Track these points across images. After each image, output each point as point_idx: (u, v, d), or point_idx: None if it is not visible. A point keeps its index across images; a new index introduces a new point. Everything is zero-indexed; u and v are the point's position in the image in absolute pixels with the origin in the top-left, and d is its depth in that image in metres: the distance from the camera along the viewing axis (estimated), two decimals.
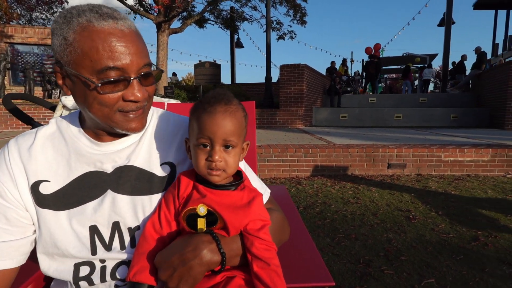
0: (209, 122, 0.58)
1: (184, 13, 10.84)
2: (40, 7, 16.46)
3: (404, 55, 16.86)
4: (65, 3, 15.80)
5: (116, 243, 0.62)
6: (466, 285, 1.55)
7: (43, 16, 16.63)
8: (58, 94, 8.98)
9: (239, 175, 0.65)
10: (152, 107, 0.71)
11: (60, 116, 1.38)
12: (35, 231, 0.63)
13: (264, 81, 8.96)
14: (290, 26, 16.18)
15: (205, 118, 0.59)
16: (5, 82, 8.90)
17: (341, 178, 3.68)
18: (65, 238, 0.60)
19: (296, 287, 0.67)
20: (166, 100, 1.52)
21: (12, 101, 1.34)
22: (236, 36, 14.10)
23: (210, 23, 12.80)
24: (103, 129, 0.63)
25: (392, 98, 10.25)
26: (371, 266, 1.73)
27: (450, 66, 11.95)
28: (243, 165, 0.73)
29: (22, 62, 10.26)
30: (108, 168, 0.64)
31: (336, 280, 1.60)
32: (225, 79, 35.67)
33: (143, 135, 0.68)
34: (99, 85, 0.54)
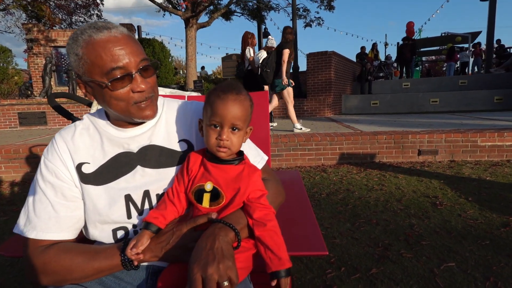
0: (221, 107, 0.70)
1: (211, 7, 10.99)
2: (79, 11, 17.51)
3: (443, 34, 15.77)
4: (100, 5, 16.69)
5: (146, 207, 0.76)
6: (489, 269, 1.53)
7: (81, 19, 17.69)
8: None
9: (240, 154, 0.76)
10: (162, 98, 0.84)
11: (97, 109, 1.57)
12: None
13: (291, 70, 8.90)
14: (317, 13, 15.76)
15: (218, 104, 0.70)
16: (52, 83, 9.68)
17: (368, 165, 3.64)
18: (105, 206, 0.75)
19: (294, 255, 0.75)
20: (187, 93, 1.64)
21: (56, 99, 1.53)
22: (263, 26, 14.04)
23: (237, 15, 12.85)
24: (124, 120, 0.77)
25: (428, 82, 9.71)
26: (389, 249, 1.75)
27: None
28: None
29: (65, 64, 11.08)
30: (134, 148, 0.78)
31: (353, 263, 1.65)
32: None
33: (159, 120, 0.82)
34: (109, 83, 0.67)
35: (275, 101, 5.02)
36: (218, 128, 0.71)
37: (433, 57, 23.56)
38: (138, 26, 12.10)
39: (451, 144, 3.75)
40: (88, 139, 0.79)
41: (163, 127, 0.82)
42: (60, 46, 11.13)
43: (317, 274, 1.57)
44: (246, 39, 5.32)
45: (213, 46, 23.38)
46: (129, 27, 11.69)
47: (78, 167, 0.76)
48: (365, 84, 9.50)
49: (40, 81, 10.13)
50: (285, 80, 4.75)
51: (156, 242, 0.71)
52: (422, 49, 16.43)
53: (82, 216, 0.78)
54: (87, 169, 0.77)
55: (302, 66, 12.16)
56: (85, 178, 0.76)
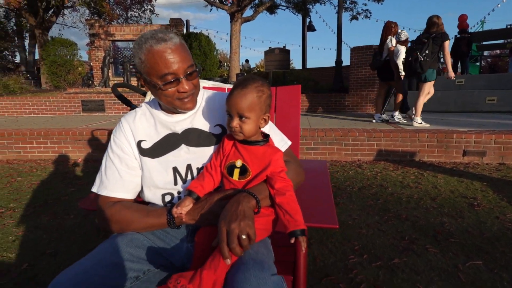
0: (229, 100, 0.86)
1: (256, 1, 11.13)
2: (134, 7, 18.71)
3: (509, 26, 14.24)
4: (153, 1, 17.68)
5: (189, 178, 0.95)
6: None
7: (136, 14, 18.90)
8: None
9: (266, 137, 0.91)
10: (203, 89, 1.03)
11: (150, 99, 1.82)
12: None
13: (334, 64, 8.76)
14: (365, 5, 15.09)
15: (228, 96, 0.87)
16: (109, 74, 10.59)
17: (406, 163, 3.57)
18: (157, 175, 0.94)
19: (309, 225, 0.88)
20: (227, 86, 1.81)
21: (118, 89, 1.80)
22: (308, 20, 13.87)
23: (281, 8, 12.86)
24: (170, 110, 0.96)
25: (485, 78, 8.93)
26: (415, 243, 1.79)
27: None
28: (269, 126, 1.00)
29: (121, 57, 12.02)
30: (179, 130, 0.97)
31: (376, 252, 1.72)
32: (297, 63, 35.22)
33: (199, 108, 1.00)
34: (162, 86, 0.86)
35: (432, 90, 4.77)
36: (230, 116, 0.86)
37: (497, 51, 21.33)
38: (186, 21, 12.67)
39: (501, 146, 3.52)
40: (145, 122, 1.00)
41: (203, 114, 1.00)
42: (117, 40, 12.09)
43: (340, 258, 1.67)
44: (389, 28, 5.05)
45: (257, 39, 23.54)
46: (178, 21, 12.29)
47: (138, 143, 0.97)
48: (412, 80, 9.01)
49: (99, 72, 11.14)
50: (451, 72, 4.57)
51: (193, 208, 0.89)
52: (484, 43, 14.98)
53: (140, 182, 0.98)
54: (145, 145, 0.97)
55: (346, 60, 11.84)
56: (143, 152, 0.96)
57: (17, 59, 26.09)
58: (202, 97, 1.03)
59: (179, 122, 0.98)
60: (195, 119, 0.99)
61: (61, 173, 3.39)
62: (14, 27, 22.13)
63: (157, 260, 0.90)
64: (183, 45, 0.89)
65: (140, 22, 17.50)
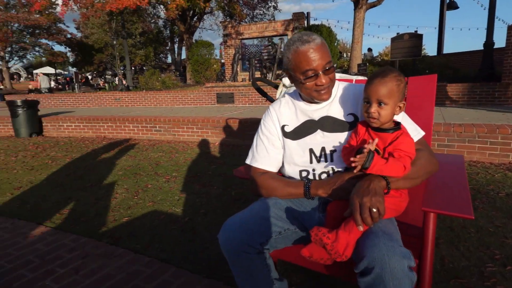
0: (369, 88, 0.96)
1: None
2: (259, 5, 20.05)
3: None
4: None
5: (322, 158, 1.11)
6: None
7: (261, 12, 20.23)
8: (270, 77, 11.05)
9: (397, 124, 0.98)
10: (338, 81, 1.16)
11: (281, 91, 2.06)
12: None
13: (482, 47, 7.31)
14: None
15: (367, 85, 0.97)
16: (238, 69, 11.86)
17: None
18: (296, 154, 1.14)
19: (440, 212, 0.91)
20: (355, 77, 1.87)
21: (257, 82, 2.13)
22: None
23: None
24: (309, 100, 1.13)
25: None
26: None
27: None
28: (401, 116, 1.06)
29: (248, 53, 13.22)
30: (316, 117, 1.14)
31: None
32: (430, 49, 30.51)
33: (334, 98, 1.14)
34: (303, 80, 1.04)
35: None
36: (368, 103, 0.95)
37: None
38: (307, 13, 12.83)
39: None
40: (288, 109, 1.20)
41: (337, 103, 1.13)
42: (245, 38, 13.33)
43: (475, 264, 1.54)
44: None
45: (382, 25, 21.56)
46: (300, 15, 12.56)
47: (282, 127, 1.18)
48: None
49: (230, 68, 12.61)
50: None
51: (327, 183, 1.05)
52: None
53: (281, 159, 1.20)
54: (287, 129, 1.18)
55: (500, 41, 9.62)
56: (286, 135, 1.17)
57: (169, 60, 32.05)
58: (337, 88, 1.16)
59: (317, 111, 1.14)
60: (331, 108, 1.13)
61: (204, 153, 4.15)
62: (168, 34, 27.16)
63: (294, 222, 1.10)
64: (323, 44, 1.04)
65: (265, 20, 18.65)
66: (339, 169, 1.09)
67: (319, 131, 1.12)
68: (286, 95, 1.27)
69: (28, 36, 24.11)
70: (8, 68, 24.82)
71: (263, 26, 13.11)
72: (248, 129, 4.59)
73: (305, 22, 12.63)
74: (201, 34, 37.79)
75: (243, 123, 4.66)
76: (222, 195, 2.59)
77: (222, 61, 15.10)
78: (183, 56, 23.99)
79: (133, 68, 20.19)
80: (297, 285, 1.46)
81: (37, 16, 21.29)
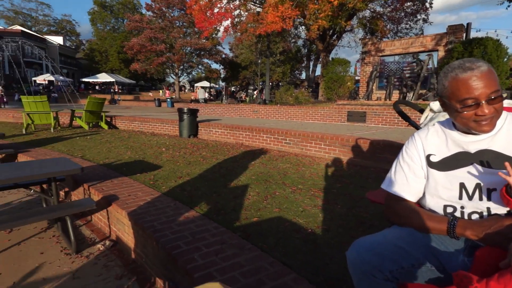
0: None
1: None
2: (406, 18, 18.44)
3: None
4: (429, 9, 16.65)
5: (476, 196, 0.99)
6: None
7: (407, 27, 18.55)
8: (411, 97, 10.01)
9: None
10: (505, 112, 1.02)
11: (426, 116, 1.90)
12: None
13: None
14: None
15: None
16: (373, 87, 11.29)
17: None
18: (442, 187, 1.06)
19: None
20: None
21: (399, 105, 2.04)
22: None
23: None
24: (464, 130, 1.03)
25: None
26: None
27: None
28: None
29: (387, 71, 12.41)
30: (471, 150, 1.03)
31: None
32: None
33: (500, 130, 1.00)
34: (460, 108, 0.96)
35: None
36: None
37: None
38: (467, 24, 10.99)
39: None
40: (437, 138, 1.12)
41: (504, 137, 0.99)
42: (386, 55, 12.58)
43: None
44: None
45: None
46: (458, 28, 10.91)
47: (427, 156, 1.12)
48: None
49: (364, 85, 12.15)
50: None
51: (479, 225, 0.93)
52: None
53: (422, 189, 1.13)
54: (433, 159, 1.10)
55: None
56: (431, 164, 1.10)
57: (303, 76, 33.53)
58: (505, 119, 1.02)
59: (474, 142, 1.02)
60: (494, 141, 1.00)
61: (330, 170, 4.17)
62: (306, 52, 28.48)
63: (431, 260, 1.02)
64: (490, 72, 0.93)
65: (410, 34, 17.08)
66: (497, 212, 0.95)
67: (475, 165, 1.01)
68: (436, 123, 1.19)
69: (195, 57, 30.28)
70: (179, 82, 31.67)
71: (408, 42, 12.07)
72: (379, 151, 4.33)
73: (464, 35, 10.88)
74: (337, 51, 37.95)
75: (374, 144, 4.43)
76: (346, 215, 2.55)
77: (357, 78, 14.70)
78: (317, 72, 24.65)
79: (270, 83, 22.14)
80: None
81: (204, 41, 26.53)
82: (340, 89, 12.08)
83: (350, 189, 3.24)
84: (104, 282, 2.21)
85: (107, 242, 2.77)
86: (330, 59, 14.75)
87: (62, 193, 3.93)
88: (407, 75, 11.16)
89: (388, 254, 0.99)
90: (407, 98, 10.55)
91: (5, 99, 16.07)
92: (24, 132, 7.79)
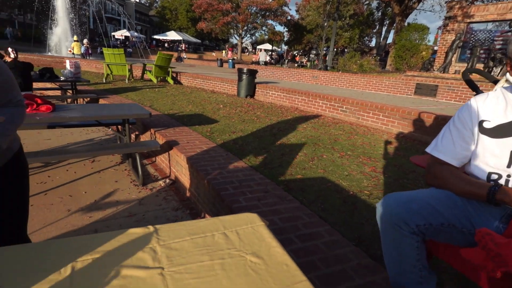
0: None
1: None
2: None
3: None
4: None
5: None
6: None
7: None
8: (498, 72, 8.70)
9: None
10: None
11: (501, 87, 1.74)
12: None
13: None
14: None
15: None
16: (453, 59, 10.02)
17: None
18: (491, 154, 1.03)
19: None
20: None
21: (468, 74, 1.86)
22: None
23: None
24: None
25: None
26: None
27: None
28: None
29: (473, 40, 10.81)
30: None
31: None
32: None
33: None
34: None
35: None
36: None
37: None
38: None
39: None
40: (495, 103, 1.06)
41: None
42: (474, 22, 10.89)
43: None
44: None
45: None
46: None
47: (480, 122, 1.07)
48: None
49: (442, 56, 10.82)
50: None
51: None
52: None
53: (468, 156, 1.10)
54: (487, 125, 1.06)
55: None
56: (483, 131, 1.06)
57: (372, 43, 30.85)
58: None
59: None
60: None
61: (384, 141, 4.01)
62: (379, 16, 25.89)
63: (463, 222, 1.03)
64: None
65: None
66: None
67: None
68: (498, 89, 1.12)
69: (260, 18, 29.63)
70: (242, 43, 31.65)
71: (507, 7, 10.21)
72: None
73: None
74: (417, 16, 33.71)
75: (439, 120, 4.10)
76: (391, 185, 2.52)
77: (435, 48, 13.11)
78: (389, 40, 22.49)
79: (335, 49, 20.94)
80: None
81: (271, 1, 25.66)
82: (412, 58, 10.94)
83: (401, 161, 3.13)
84: (163, 211, 2.58)
85: (167, 180, 3.17)
86: (406, 24, 13.24)
87: (133, 136, 4.48)
88: (497, 46, 9.60)
89: (419, 210, 1.02)
90: (492, 73, 9.19)
91: (90, 51, 17.94)
92: (104, 81, 8.76)
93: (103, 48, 9.37)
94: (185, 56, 26.38)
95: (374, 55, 20.32)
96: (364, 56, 16.10)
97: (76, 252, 0.82)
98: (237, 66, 18.16)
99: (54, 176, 3.05)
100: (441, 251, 1.10)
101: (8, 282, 0.70)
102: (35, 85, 6.05)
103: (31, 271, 0.74)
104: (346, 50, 24.03)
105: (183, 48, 31.85)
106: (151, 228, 0.96)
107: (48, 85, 6.96)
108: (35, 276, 0.73)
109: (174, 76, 9.98)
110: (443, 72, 9.13)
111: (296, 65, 21.22)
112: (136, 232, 0.94)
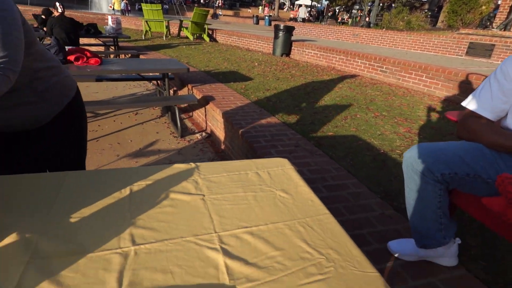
0: None
1: None
2: None
3: None
4: None
5: None
6: None
7: None
8: None
9: None
10: None
11: None
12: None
13: None
14: None
15: None
16: None
17: None
18: None
19: None
20: None
21: None
22: None
23: None
24: None
25: None
26: None
27: None
28: None
29: None
30: None
31: None
32: None
33: None
34: None
35: None
36: None
37: None
38: None
39: None
40: None
41: None
42: None
43: None
44: None
45: None
46: None
47: None
48: None
49: (506, 11, 9.56)
50: None
51: None
52: None
53: (505, 110, 1.08)
54: None
55: None
56: None
57: None
58: None
59: None
60: None
61: (424, 103, 3.83)
62: None
63: (491, 173, 1.04)
64: None
65: None
66: None
67: None
68: None
69: None
70: None
71: None
72: None
73: None
74: None
75: None
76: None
77: (499, 2, 11.53)
78: None
79: (381, 4, 19.18)
80: (470, 247, 1.40)
81: None
82: (469, 14, 9.77)
83: (440, 124, 3.02)
84: (200, 161, 2.79)
85: (204, 134, 3.35)
86: None
87: (171, 91, 4.68)
88: None
89: (445, 159, 1.05)
90: None
91: (129, 8, 18.12)
92: (143, 37, 8.96)
93: (141, 3, 9.43)
94: (220, 13, 25.73)
95: (425, 10, 18.37)
96: (414, 11, 14.64)
97: (133, 178, 0.98)
98: (274, 23, 17.43)
99: (104, 125, 3.35)
100: (463, 201, 1.14)
101: (85, 196, 0.88)
102: (80, 41, 6.38)
103: (99, 190, 0.91)
104: (393, 5, 21.93)
105: (219, 3, 30.92)
106: (193, 164, 1.10)
107: (93, 40, 7.29)
108: (104, 191, 0.90)
109: (210, 33, 9.90)
110: (504, 30, 8.13)
111: (337, 22, 19.90)
112: (180, 167, 1.08)
